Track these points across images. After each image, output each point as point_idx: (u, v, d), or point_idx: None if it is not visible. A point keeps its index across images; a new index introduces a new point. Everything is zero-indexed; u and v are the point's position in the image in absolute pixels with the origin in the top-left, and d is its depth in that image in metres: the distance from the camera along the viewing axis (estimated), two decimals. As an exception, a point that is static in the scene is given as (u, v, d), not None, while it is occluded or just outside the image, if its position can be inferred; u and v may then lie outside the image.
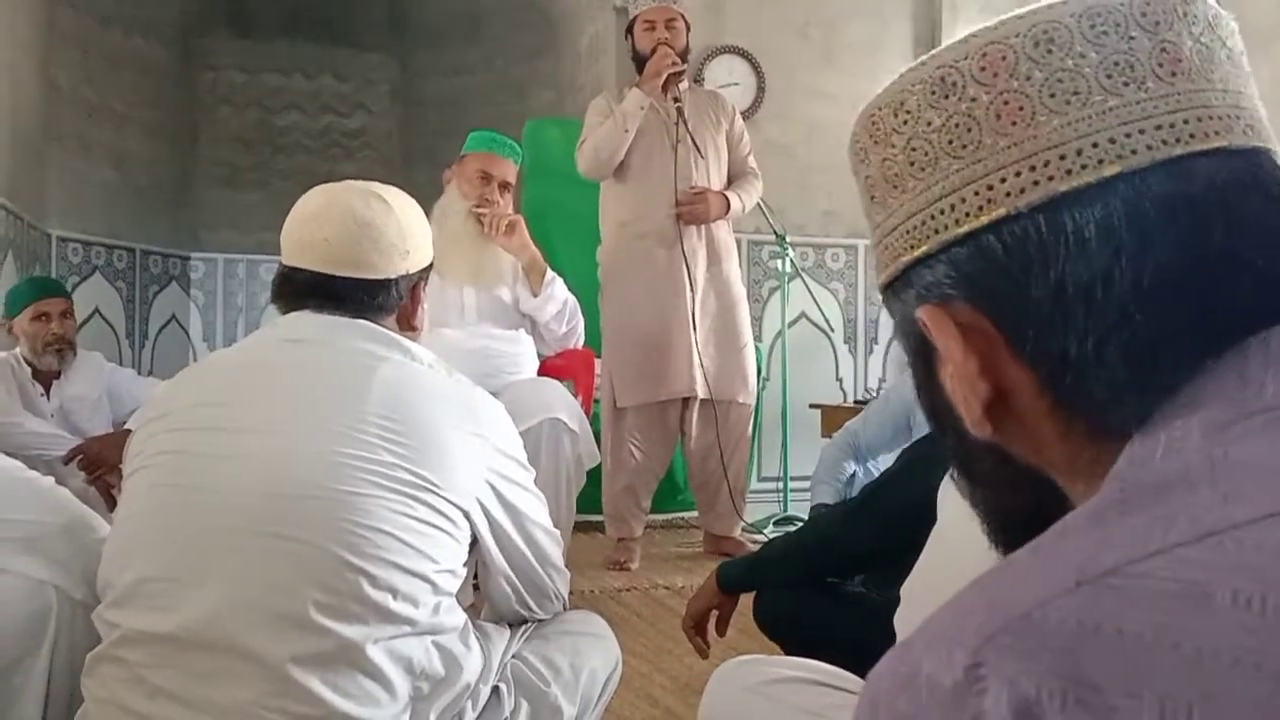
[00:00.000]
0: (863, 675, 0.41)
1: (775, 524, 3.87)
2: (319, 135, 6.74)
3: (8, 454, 1.56)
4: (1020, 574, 0.39)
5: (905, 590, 1.42)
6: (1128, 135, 0.46)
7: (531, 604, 1.44)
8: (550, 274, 2.78)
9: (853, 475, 3.04)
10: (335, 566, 1.15)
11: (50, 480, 1.52)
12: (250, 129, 6.60)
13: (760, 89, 4.68)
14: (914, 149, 0.50)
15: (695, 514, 3.79)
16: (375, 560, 1.16)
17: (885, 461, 3.20)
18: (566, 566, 1.52)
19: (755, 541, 3.47)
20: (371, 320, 1.32)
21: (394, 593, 1.17)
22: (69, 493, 1.53)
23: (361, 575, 1.15)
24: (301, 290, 1.32)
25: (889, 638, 1.35)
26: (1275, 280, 0.44)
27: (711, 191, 3.33)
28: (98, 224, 5.48)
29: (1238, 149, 0.47)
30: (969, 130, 0.48)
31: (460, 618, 1.28)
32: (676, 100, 3.28)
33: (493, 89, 6.16)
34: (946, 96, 0.49)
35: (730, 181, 3.45)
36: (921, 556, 1.44)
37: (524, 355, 2.78)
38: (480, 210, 2.71)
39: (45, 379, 3.16)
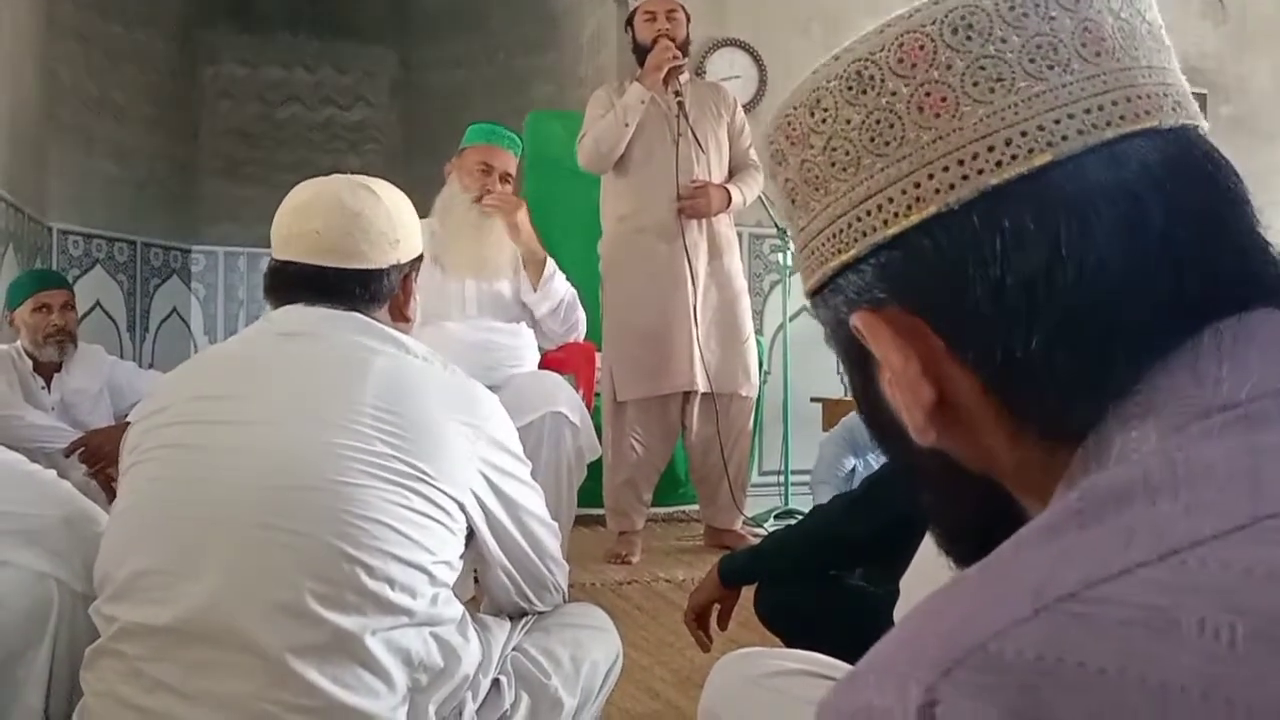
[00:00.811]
0: None
1: (776, 517, 3.87)
2: (320, 128, 6.74)
3: (8, 447, 1.56)
4: (975, 596, 0.37)
5: (904, 583, 1.42)
6: (1056, 121, 0.43)
7: (530, 596, 1.44)
8: (550, 268, 2.77)
9: (853, 469, 3.05)
10: (332, 557, 1.15)
11: (52, 473, 1.52)
12: (251, 122, 6.60)
13: (762, 82, 4.67)
14: (834, 149, 0.48)
15: (696, 507, 3.80)
16: (372, 551, 1.16)
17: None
18: (567, 560, 1.52)
19: (756, 535, 3.47)
20: (364, 312, 1.32)
21: (391, 583, 1.17)
22: (70, 485, 1.53)
23: (358, 566, 1.15)
24: (293, 283, 1.33)
25: (889, 630, 1.36)
26: (1219, 268, 0.43)
27: (713, 185, 3.33)
28: (98, 217, 5.49)
29: (1168, 128, 0.45)
30: (891, 126, 0.46)
31: (458, 609, 1.28)
32: (677, 94, 3.27)
33: (494, 82, 6.15)
34: (864, 91, 0.47)
35: (731, 175, 3.45)
36: (920, 548, 1.44)
37: (525, 348, 2.78)
38: (489, 197, 2.71)
39: (46, 372, 3.16)
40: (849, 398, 4.37)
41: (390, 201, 1.37)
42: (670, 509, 4.09)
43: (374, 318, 1.33)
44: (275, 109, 6.67)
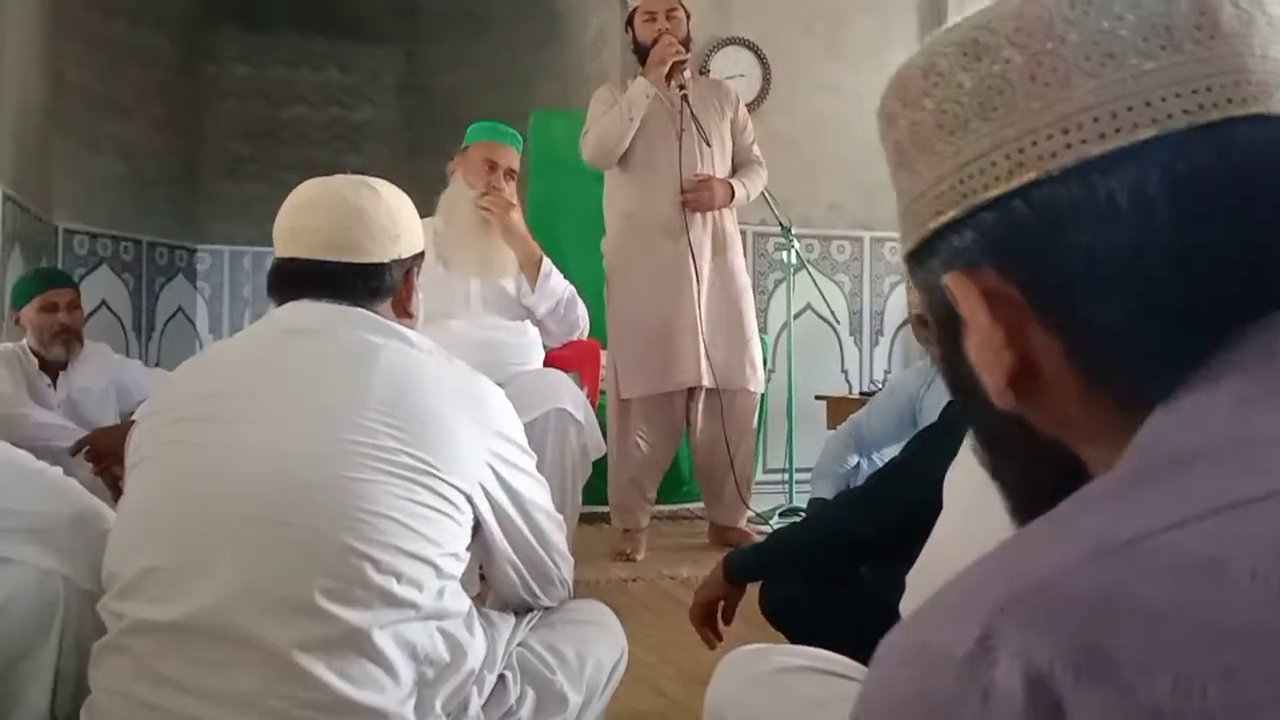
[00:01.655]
0: (869, 664, 0.41)
1: (781, 515, 3.87)
2: (325, 128, 6.74)
3: (15, 445, 1.57)
4: (1035, 544, 0.38)
5: (911, 578, 1.42)
6: (1163, 99, 0.44)
7: (536, 590, 1.45)
8: (546, 267, 2.78)
9: (857, 466, 3.04)
10: (339, 552, 1.15)
11: (58, 470, 1.53)
12: (256, 121, 6.61)
13: (766, 81, 4.67)
14: (944, 112, 0.49)
15: (701, 505, 3.80)
16: (379, 545, 1.16)
17: (889, 454, 3.21)
18: (572, 556, 1.52)
19: (761, 532, 3.47)
20: (367, 307, 1.33)
21: (398, 577, 1.17)
22: (77, 483, 1.54)
23: (365, 560, 1.15)
24: (296, 280, 1.33)
25: (893, 625, 1.36)
26: None
27: (716, 179, 3.33)
28: (104, 216, 5.50)
29: (1275, 115, 0.45)
30: (1001, 93, 0.47)
31: (465, 603, 1.28)
32: (681, 88, 3.27)
33: (498, 81, 6.15)
34: (979, 59, 0.48)
35: (735, 170, 3.45)
36: (927, 544, 1.44)
37: (530, 346, 2.78)
38: (484, 199, 2.72)
39: (52, 370, 3.17)
40: (852, 396, 4.38)
41: (391, 198, 1.39)
42: (675, 506, 4.09)
43: (377, 313, 1.34)
44: (280, 108, 6.68)
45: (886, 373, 4.93)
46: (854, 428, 2.95)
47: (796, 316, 4.40)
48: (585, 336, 3.03)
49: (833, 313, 4.60)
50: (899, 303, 4.81)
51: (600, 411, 3.20)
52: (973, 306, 0.47)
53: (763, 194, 3.55)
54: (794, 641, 1.78)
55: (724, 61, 4.62)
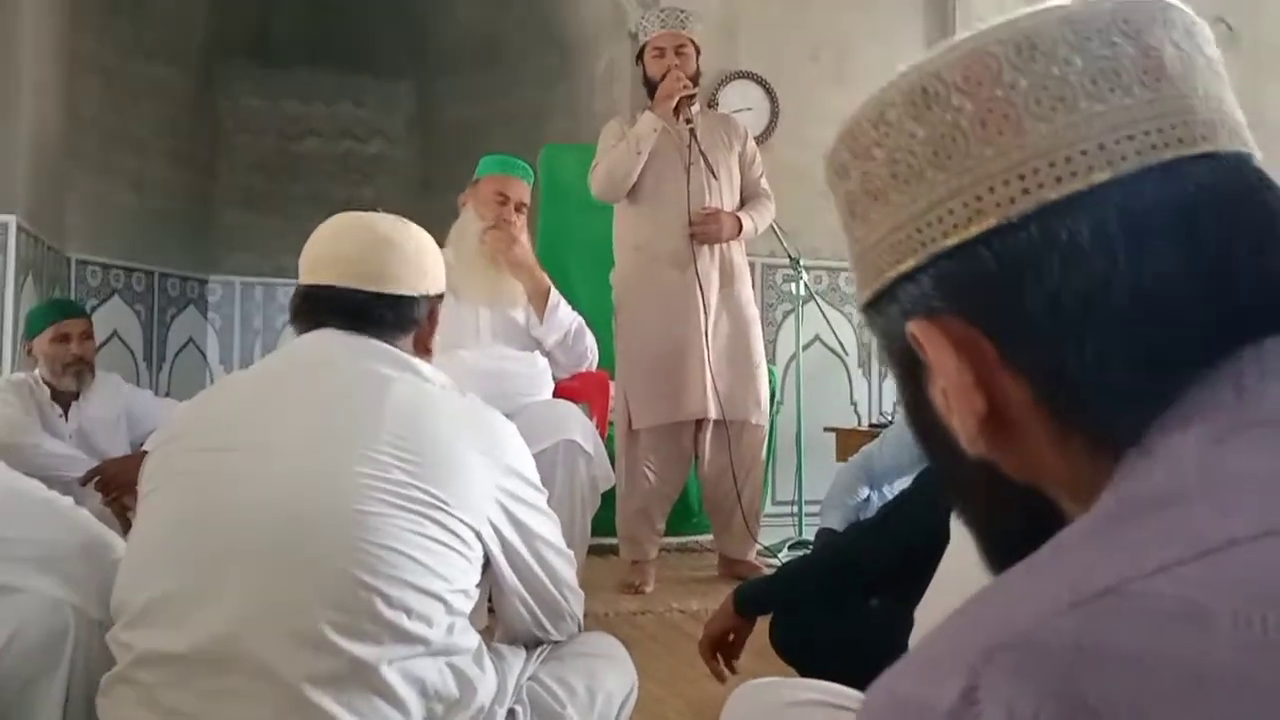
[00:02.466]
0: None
1: (790, 548, 3.85)
2: (337, 161, 6.79)
3: (26, 475, 1.57)
4: (1015, 592, 0.38)
5: (919, 612, 1.41)
6: (1116, 141, 0.45)
7: (546, 625, 1.44)
8: (554, 298, 2.79)
9: (867, 499, 3.03)
10: (349, 585, 1.15)
11: (69, 500, 1.53)
12: (269, 155, 6.66)
13: (774, 113, 4.70)
14: (896, 161, 0.49)
15: (709, 537, 3.78)
16: (389, 579, 1.16)
17: (900, 486, 3.19)
18: (580, 588, 1.52)
19: (770, 565, 3.45)
20: (391, 340, 1.34)
21: (408, 612, 1.17)
22: (88, 512, 1.54)
23: (375, 594, 1.15)
24: (325, 307, 1.34)
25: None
26: (1266, 288, 0.44)
27: (724, 212, 3.35)
28: (117, 247, 5.53)
29: (1224, 154, 0.46)
30: (954, 140, 0.47)
31: (474, 639, 1.28)
32: (689, 122, 3.29)
33: (509, 115, 6.19)
34: (929, 107, 0.48)
35: (743, 204, 3.47)
36: (935, 577, 1.43)
37: (539, 377, 2.79)
38: (487, 235, 2.75)
39: (64, 400, 3.18)
40: (861, 428, 4.37)
41: (420, 236, 1.42)
42: (683, 539, 4.07)
43: (398, 347, 1.35)
44: (293, 142, 6.73)
45: (896, 405, 4.91)
46: (865, 460, 2.94)
47: (805, 348, 4.40)
48: (594, 368, 3.04)
49: (841, 344, 4.59)
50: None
51: (609, 442, 3.20)
52: (941, 353, 0.47)
53: (771, 225, 3.56)
54: (804, 675, 1.76)
55: (732, 95, 4.66)
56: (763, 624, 1.85)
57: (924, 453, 0.55)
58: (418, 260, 1.39)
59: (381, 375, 1.28)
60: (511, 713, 1.33)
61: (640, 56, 3.48)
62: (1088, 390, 0.45)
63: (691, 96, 3.31)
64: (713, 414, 3.32)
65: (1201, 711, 0.31)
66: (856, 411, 4.87)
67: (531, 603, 1.40)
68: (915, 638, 1.29)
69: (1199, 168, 0.45)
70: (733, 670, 1.77)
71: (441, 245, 2.57)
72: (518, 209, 2.81)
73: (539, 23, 5.81)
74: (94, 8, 5.29)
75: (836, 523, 3.34)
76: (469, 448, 1.27)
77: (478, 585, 1.29)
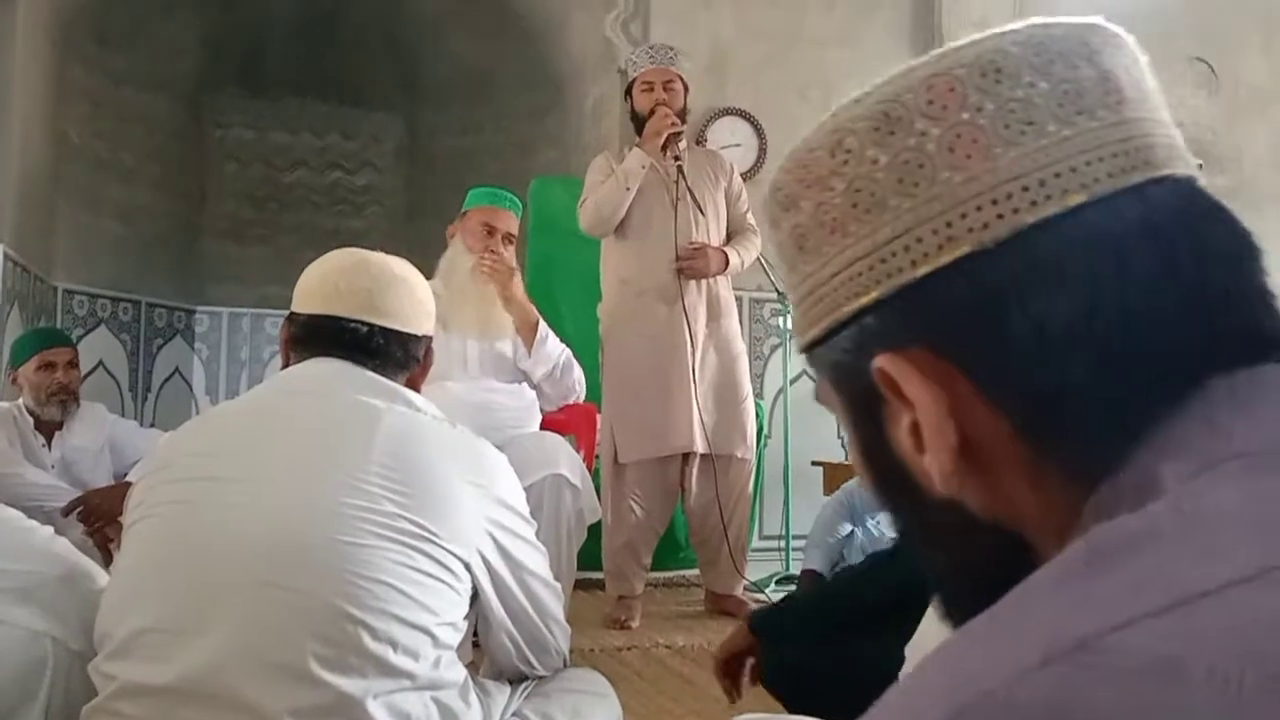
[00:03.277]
0: None
1: (778, 582, 3.83)
2: (325, 192, 6.80)
3: (7, 504, 1.56)
4: (981, 646, 0.36)
5: (910, 649, 1.41)
6: (1087, 164, 0.44)
7: (532, 659, 1.43)
8: (542, 331, 2.79)
9: (850, 535, 3.03)
10: (335, 618, 1.14)
11: (49, 530, 1.51)
12: (257, 185, 6.67)
13: (762, 149, 4.74)
14: (857, 190, 0.47)
15: (696, 572, 3.76)
16: (375, 612, 1.15)
17: (884, 521, 3.19)
18: (566, 623, 1.51)
19: (757, 600, 3.43)
20: (390, 376, 1.34)
21: (394, 645, 1.16)
22: (68, 543, 1.53)
23: (361, 627, 1.14)
24: (331, 338, 1.34)
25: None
26: (1239, 314, 0.43)
27: (711, 247, 3.36)
28: (104, 276, 5.52)
29: (1181, 177, 0.46)
30: (920, 166, 0.45)
31: (460, 673, 1.27)
32: (676, 158, 3.32)
33: (498, 148, 6.22)
34: (892, 133, 0.46)
35: (729, 239, 3.49)
36: (925, 616, 1.43)
37: (527, 409, 2.78)
38: (484, 261, 2.75)
39: (47, 430, 3.16)
40: (849, 462, 4.37)
41: (420, 278, 1.46)
42: (670, 573, 4.05)
43: (393, 380, 1.35)
44: (282, 173, 6.74)
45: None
46: (846, 495, 2.95)
47: (793, 382, 4.41)
48: (582, 400, 3.03)
49: (828, 378, 4.60)
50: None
51: (595, 476, 3.19)
52: (915, 387, 0.45)
53: (759, 260, 3.58)
54: (791, 710, 1.75)
55: (720, 131, 4.70)
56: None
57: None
58: (426, 301, 1.42)
59: (371, 406, 1.28)
60: (496, 748, 1.32)
61: (629, 91, 3.51)
62: (1065, 418, 0.43)
63: (679, 133, 3.34)
64: (699, 448, 3.32)
65: None
66: (844, 445, 4.87)
67: (518, 636, 1.39)
68: (905, 674, 1.28)
69: (1165, 190, 0.45)
70: (740, 693, 1.76)
71: (429, 277, 2.59)
72: (505, 240, 2.82)
73: (528, 56, 5.86)
74: (84, 37, 5.31)
75: (818, 562, 3.34)
76: (459, 479, 1.26)
77: (465, 618, 1.28)
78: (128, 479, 2.92)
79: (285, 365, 1.40)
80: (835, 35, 4.95)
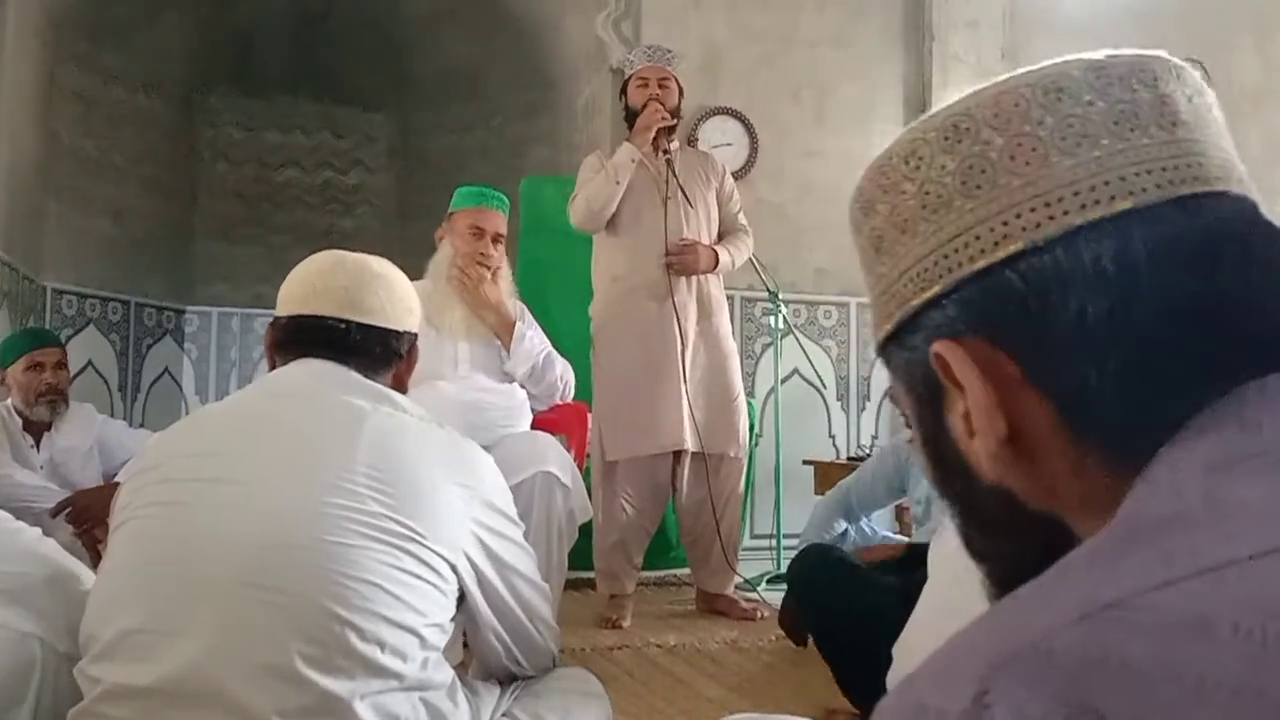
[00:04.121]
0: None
1: (769, 581, 3.83)
2: (317, 191, 6.79)
3: (-4, 505, 1.55)
4: (1024, 607, 0.40)
5: (898, 649, 1.41)
6: (1136, 174, 0.48)
7: (521, 660, 1.43)
8: (519, 331, 2.78)
9: (845, 532, 3.03)
10: (322, 618, 1.14)
11: (37, 532, 1.51)
12: (249, 184, 6.65)
13: (753, 149, 4.75)
14: (927, 192, 0.52)
15: (688, 571, 3.76)
16: (362, 612, 1.15)
17: (878, 519, 3.20)
18: (557, 623, 1.51)
19: (749, 599, 3.43)
20: (373, 374, 1.35)
21: (381, 645, 1.15)
22: (56, 544, 1.52)
23: (349, 627, 1.14)
24: (312, 337, 1.35)
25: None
26: (1274, 321, 0.46)
27: (701, 244, 3.37)
28: (93, 277, 5.50)
29: (1235, 195, 0.49)
30: (983, 171, 0.50)
31: (448, 674, 1.26)
32: (665, 153, 3.32)
33: (490, 147, 6.22)
34: (960, 141, 0.51)
35: (721, 238, 3.49)
36: (913, 615, 1.43)
37: (518, 409, 2.78)
38: (455, 270, 2.76)
39: (36, 430, 3.15)
40: (840, 461, 4.38)
41: (403, 275, 1.46)
42: (661, 573, 4.06)
43: (378, 380, 1.35)
44: (273, 172, 6.73)
45: (874, 438, 4.94)
46: (842, 494, 2.95)
47: (784, 381, 4.41)
48: (570, 398, 3.03)
49: (820, 378, 4.61)
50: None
51: (587, 475, 3.18)
52: (967, 372, 0.49)
53: (750, 259, 3.58)
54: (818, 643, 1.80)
55: (712, 130, 4.70)
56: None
57: (938, 484, 0.56)
58: (405, 298, 1.42)
59: (357, 407, 1.28)
60: (486, 749, 1.31)
61: (624, 90, 3.51)
62: (1107, 407, 0.46)
63: (670, 129, 3.34)
64: (690, 446, 3.32)
65: (1204, 718, 0.32)
66: (835, 444, 4.88)
67: (506, 637, 1.38)
68: (892, 677, 1.28)
69: (1216, 204, 0.48)
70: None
71: (420, 276, 2.59)
72: (494, 241, 2.81)
73: (520, 56, 5.86)
74: (75, 36, 5.29)
75: (813, 558, 3.34)
76: (445, 480, 1.26)
77: (452, 619, 1.28)
78: (117, 480, 2.91)
79: (271, 370, 1.40)
80: (827, 36, 4.96)
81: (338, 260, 1.40)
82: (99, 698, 1.18)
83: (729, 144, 4.65)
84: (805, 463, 4.27)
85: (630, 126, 3.42)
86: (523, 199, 4.49)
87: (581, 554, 3.13)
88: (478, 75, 6.26)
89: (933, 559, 1.44)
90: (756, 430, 4.09)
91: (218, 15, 6.07)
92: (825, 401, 4.88)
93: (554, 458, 2.55)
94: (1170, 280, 0.45)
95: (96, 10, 5.30)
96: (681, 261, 3.32)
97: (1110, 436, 0.47)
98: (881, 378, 4.90)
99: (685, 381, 3.30)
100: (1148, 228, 0.46)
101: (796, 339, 4.37)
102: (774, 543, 4.14)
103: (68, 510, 2.76)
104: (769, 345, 4.47)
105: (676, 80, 3.47)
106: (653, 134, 3.29)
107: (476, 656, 1.44)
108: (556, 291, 4.09)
